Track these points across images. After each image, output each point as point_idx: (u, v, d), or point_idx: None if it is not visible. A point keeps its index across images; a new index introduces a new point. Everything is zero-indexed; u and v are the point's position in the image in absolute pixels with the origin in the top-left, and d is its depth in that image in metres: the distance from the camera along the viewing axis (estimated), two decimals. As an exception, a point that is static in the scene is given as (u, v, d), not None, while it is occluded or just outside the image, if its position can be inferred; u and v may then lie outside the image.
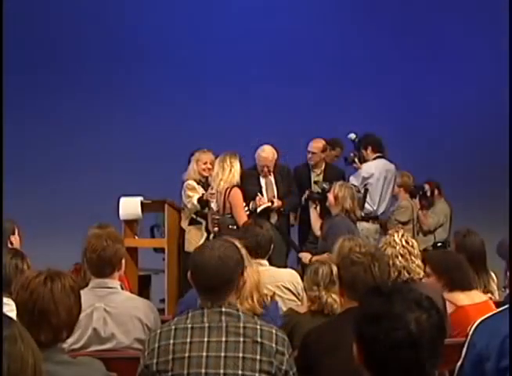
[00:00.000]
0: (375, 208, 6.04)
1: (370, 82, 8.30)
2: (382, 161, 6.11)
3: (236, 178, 5.40)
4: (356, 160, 6.11)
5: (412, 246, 3.40)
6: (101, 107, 8.30)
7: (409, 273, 3.33)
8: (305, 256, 5.18)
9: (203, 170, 5.77)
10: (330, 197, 5.11)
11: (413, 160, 7.42)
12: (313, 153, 6.31)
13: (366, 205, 5.91)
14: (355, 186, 5.62)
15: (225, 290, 2.16)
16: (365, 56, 8.39)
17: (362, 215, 5.64)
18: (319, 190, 5.67)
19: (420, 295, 1.53)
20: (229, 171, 5.38)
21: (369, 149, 6.10)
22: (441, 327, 1.51)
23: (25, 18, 8.04)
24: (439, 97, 8.27)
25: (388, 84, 8.31)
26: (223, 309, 2.15)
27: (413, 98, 8.34)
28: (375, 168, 6.06)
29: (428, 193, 6.73)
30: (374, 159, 6.09)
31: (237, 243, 2.46)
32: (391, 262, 3.31)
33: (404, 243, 3.39)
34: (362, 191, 5.81)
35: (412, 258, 3.36)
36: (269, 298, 3.11)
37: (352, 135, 6.17)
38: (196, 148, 6.03)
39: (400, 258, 3.35)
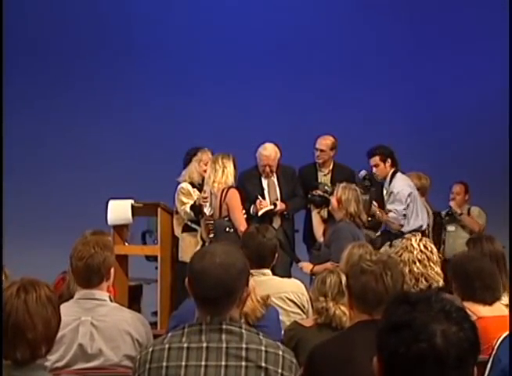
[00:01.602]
0: (422, 224, 5.84)
1: (380, 78, 8.31)
2: (402, 176, 5.94)
3: (230, 179, 5.41)
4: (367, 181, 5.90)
5: (431, 251, 3.39)
6: (89, 105, 8.32)
7: (427, 281, 3.32)
8: (306, 266, 5.17)
9: (205, 171, 5.78)
10: (333, 200, 5.10)
11: (426, 160, 7.42)
12: (321, 150, 6.30)
13: (415, 222, 5.75)
14: (366, 186, 5.57)
15: (227, 302, 2.07)
16: (374, 50, 8.40)
17: (369, 219, 5.55)
18: (320, 193, 5.65)
19: (450, 305, 1.45)
20: (222, 172, 5.39)
21: (389, 162, 5.87)
22: (473, 343, 1.42)
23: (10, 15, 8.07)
24: (454, 96, 8.28)
25: (400, 81, 8.31)
26: (223, 326, 2.05)
27: (427, 96, 8.34)
28: (408, 185, 5.88)
29: (456, 211, 6.58)
30: (393, 174, 5.87)
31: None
32: (407, 269, 3.30)
33: (422, 248, 3.38)
34: (368, 194, 5.72)
35: (431, 264, 3.35)
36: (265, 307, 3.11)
37: (363, 172, 5.96)
38: (192, 147, 6.04)
39: (418, 263, 3.34)
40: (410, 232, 5.54)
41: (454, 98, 8.29)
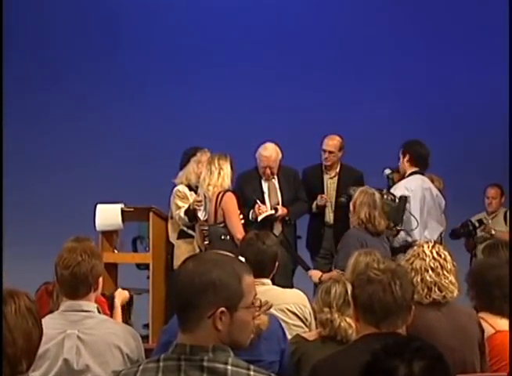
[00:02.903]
0: (416, 239, 5.46)
1: (390, 74, 8.31)
2: (418, 178, 5.72)
3: (227, 181, 5.42)
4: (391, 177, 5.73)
5: (444, 259, 3.38)
6: (76, 103, 8.31)
7: (440, 291, 3.32)
8: (315, 274, 5.18)
9: None
10: (351, 205, 5.11)
11: (440, 160, 7.41)
12: (330, 152, 6.30)
13: (405, 235, 5.51)
14: (391, 194, 5.45)
15: (192, 318, 1.90)
16: (384, 44, 8.41)
17: (398, 227, 5.42)
18: (343, 199, 5.64)
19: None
20: (218, 174, 5.40)
21: (407, 158, 5.69)
22: None
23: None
24: (467, 94, 8.28)
25: (411, 78, 8.32)
26: (205, 364, 1.86)
27: (440, 93, 8.35)
28: (405, 187, 5.59)
29: (486, 222, 6.42)
30: (409, 175, 5.71)
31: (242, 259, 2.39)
32: (419, 278, 3.30)
33: (435, 255, 3.38)
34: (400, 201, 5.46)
35: (445, 272, 3.34)
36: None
37: (387, 171, 5.80)
38: (190, 147, 6.04)
39: (430, 272, 3.34)
40: (399, 248, 5.39)
41: (467, 95, 8.29)
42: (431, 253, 3.38)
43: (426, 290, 3.30)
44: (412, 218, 5.55)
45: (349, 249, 4.54)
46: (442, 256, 3.38)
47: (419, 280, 3.31)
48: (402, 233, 5.54)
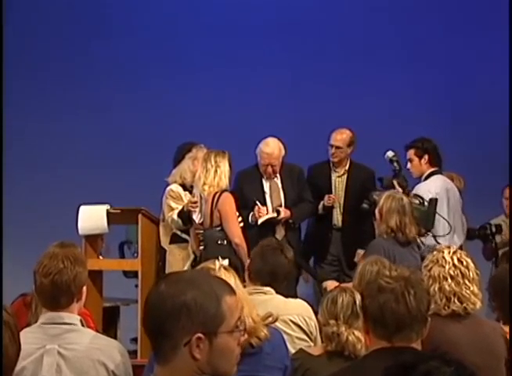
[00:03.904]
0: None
1: (403, 63, 8.31)
2: (440, 179, 5.84)
3: (224, 181, 5.43)
4: (396, 183, 5.69)
5: (466, 266, 3.37)
6: (56, 95, 8.31)
7: (461, 302, 3.31)
8: (330, 285, 5.19)
9: None
10: (376, 212, 5.10)
11: (457, 157, 7.41)
12: (337, 147, 6.31)
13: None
14: (418, 196, 5.46)
15: (166, 348, 1.85)
16: (396, 30, 8.40)
17: (429, 234, 5.41)
18: (365, 205, 5.62)
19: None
20: (214, 173, 5.41)
21: (425, 158, 5.82)
22: None
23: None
24: (492, 87, 8.28)
25: (426, 67, 8.31)
26: None
27: (458, 83, 8.34)
28: (428, 190, 5.66)
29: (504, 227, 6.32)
30: (429, 175, 5.78)
31: (234, 284, 2.38)
32: (436, 287, 3.30)
33: (456, 262, 3.37)
34: (428, 206, 5.45)
35: (466, 281, 3.33)
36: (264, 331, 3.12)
37: (390, 153, 5.81)
38: (185, 142, 6.05)
39: (450, 280, 3.34)
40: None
41: (487, 86, 8.29)
42: (452, 259, 3.38)
43: (444, 300, 3.30)
44: (442, 221, 5.57)
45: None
46: (464, 263, 3.38)
47: (436, 288, 3.31)
48: (431, 240, 5.53)
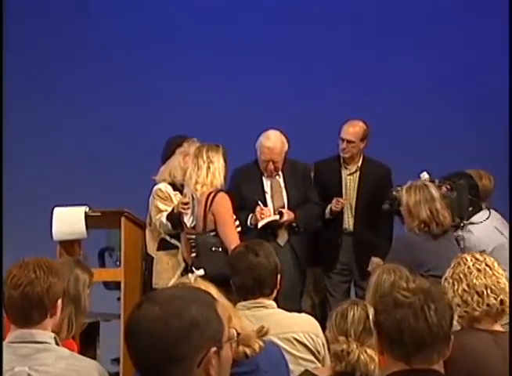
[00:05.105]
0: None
1: (418, 51, 8.33)
2: (489, 228, 5.62)
3: (219, 179, 5.44)
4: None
5: (492, 262, 3.41)
6: (32, 84, 8.33)
7: (495, 295, 3.32)
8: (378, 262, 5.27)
9: None
10: (403, 210, 5.09)
11: (480, 154, 7.44)
12: (349, 141, 6.33)
13: None
14: (446, 181, 5.45)
15: (172, 373, 1.87)
16: (411, 14, 8.43)
17: (465, 221, 5.41)
18: (386, 205, 5.62)
19: None
20: (207, 170, 5.41)
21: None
22: None
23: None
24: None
25: (444, 54, 8.33)
26: None
27: (480, 70, 8.36)
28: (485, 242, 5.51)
29: None
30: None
31: (215, 294, 2.37)
32: (464, 285, 3.29)
33: (478, 256, 3.40)
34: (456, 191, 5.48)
35: (495, 273, 3.35)
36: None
37: (425, 176, 5.67)
38: (175, 135, 6.06)
39: (476, 272, 3.34)
40: None
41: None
42: (473, 257, 3.42)
43: (476, 296, 3.31)
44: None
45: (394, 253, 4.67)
46: (488, 260, 3.41)
47: (465, 286, 3.32)
48: (470, 234, 5.53)
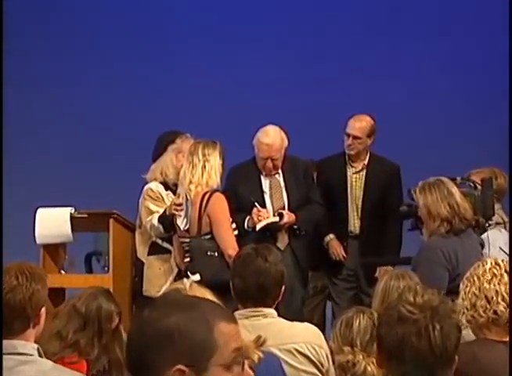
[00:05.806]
0: None
1: (428, 39, 8.34)
2: (497, 233, 5.70)
3: (215, 178, 5.45)
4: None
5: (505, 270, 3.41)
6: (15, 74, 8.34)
7: (506, 303, 3.29)
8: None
9: None
10: (422, 213, 5.06)
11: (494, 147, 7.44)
12: (355, 137, 6.34)
13: None
14: (467, 179, 5.43)
15: None
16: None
17: (490, 223, 5.39)
18: (404, 207, 5.57)
19: None
20: (202, 168, 5.42)
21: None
22: None
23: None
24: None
25: (456, 43, 8.35)
26: None
27: (495, 59, 8.37)
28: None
29: None
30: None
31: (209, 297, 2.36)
32: (474, 289, 3.27)
33: (499, 261, 3.39)
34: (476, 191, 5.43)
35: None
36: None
37: (459, 180, 5.58)
38: (167, 131, 6.07)
39: (489, 276, 3.28)
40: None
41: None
42: (494, 261, 3.38)
43: (484, 301, 3.24)
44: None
45: (428, 268, 4.63)
46: (508, 267, 3.40)
47: (475, 289, 3.28)
48: (497, 233, 5.56)
